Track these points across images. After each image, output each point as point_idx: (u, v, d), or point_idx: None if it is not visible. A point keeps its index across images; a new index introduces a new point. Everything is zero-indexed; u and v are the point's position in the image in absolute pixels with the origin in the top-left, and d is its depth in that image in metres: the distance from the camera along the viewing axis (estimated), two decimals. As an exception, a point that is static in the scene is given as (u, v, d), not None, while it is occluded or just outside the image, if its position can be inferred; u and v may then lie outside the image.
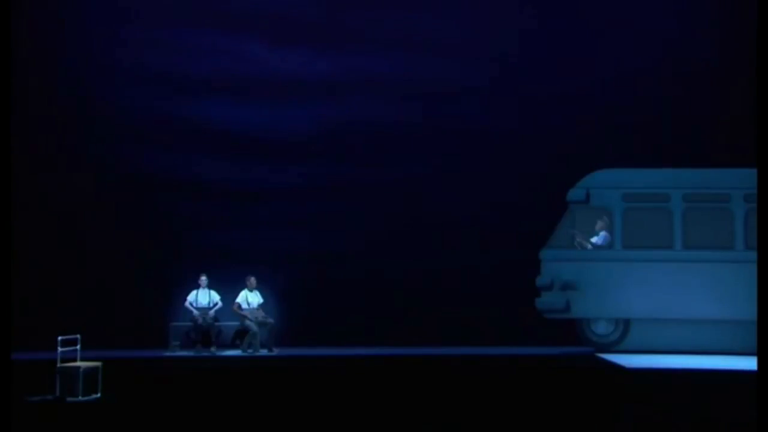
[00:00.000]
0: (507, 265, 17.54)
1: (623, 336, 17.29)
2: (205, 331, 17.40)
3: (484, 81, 18.41)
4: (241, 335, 17.50)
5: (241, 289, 17.65)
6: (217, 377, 14.56)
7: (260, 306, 17.64)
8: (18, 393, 11.39)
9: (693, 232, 17.10)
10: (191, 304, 17.63)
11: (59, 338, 12.66)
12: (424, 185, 18.39)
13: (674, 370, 14.85)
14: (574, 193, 17.43)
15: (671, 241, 17.16)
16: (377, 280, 18.10)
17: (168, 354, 17.20)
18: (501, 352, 17.08)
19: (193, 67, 18.63)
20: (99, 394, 12.37)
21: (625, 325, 17.30)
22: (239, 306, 17.53)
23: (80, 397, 12.12)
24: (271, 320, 17.60)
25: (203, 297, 17.68)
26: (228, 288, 17.71)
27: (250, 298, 17.61)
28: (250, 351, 17.21)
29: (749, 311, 14.09)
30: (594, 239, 17.44)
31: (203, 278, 17.71)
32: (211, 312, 17.57)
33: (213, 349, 17.26)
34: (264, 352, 17.21)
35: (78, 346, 12.83)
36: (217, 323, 17.56)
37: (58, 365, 12.38)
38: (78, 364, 12.50)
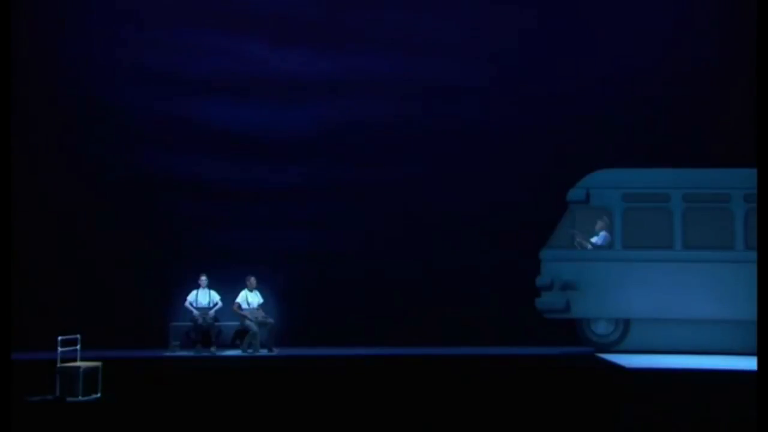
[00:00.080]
0: (507, 265, 17.55)
1: (623, 336, 17.29)
2: (205, 331, 17.40)
3: (484, 81, 18.41)
4: (241, 335, 17.50)
5: (241, 289, 17.66)
6: (217, 377, 14.56)
7: (260, 306, 17.64)
8: (18, 393, 11.39)
9: (693, 232, 17.10)
10: (191, 304, 17.63)
11: (59, 338, 12.65)
12: (424, 185, 18.39)
13: (674, 370, 14.85)
14: (574, 193, 17.43)
15: (671, 241, 17.17)
16: (377, 280, 18.10)
17: (168, 354, 17.20)
18: (501, 352, 17.08)
19: (193, 67, 18.63)
20: (99, 394, 12.37)
21: (625, 325, 17.30)
22: (239, 306, 17.53)
23: (80, 397, 12.11)
24: (271, 320, 17.60)
25: (203, 297, 17.69)
26: (228, 288, 17.72)
27: (250, 298, 17.61)
28: (250, 351, 17.21)
29: (749, 311, 14.11)
30: (594, 239, 17.44)
31: (203, 278, 17.72)
32: (211, 312, 17.57)
33: (213, 349, 17.26)
34: (264, 352, 17.22)
35: (78, 346, 12.83)
36: (217, 323, 17.56)
37: (58, 365, 12.38)
38: (78, 364, 12.50)
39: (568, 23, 18.61)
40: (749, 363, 13.72)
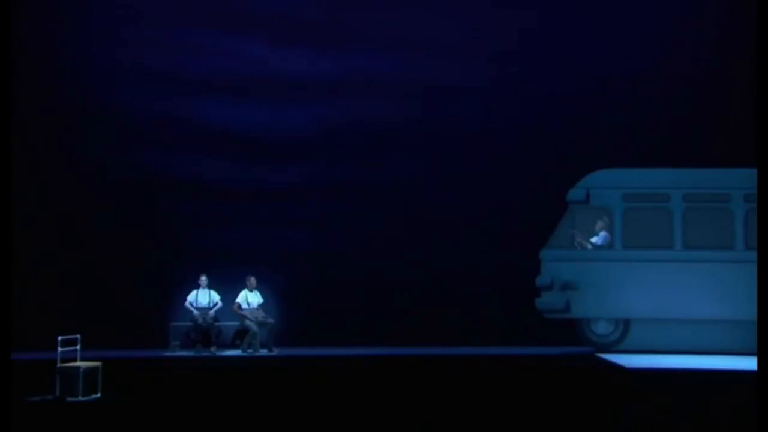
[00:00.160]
0: (507, 265, 17.55)
1: (623, 336, 17.29)
2: (205, 331, 17.40)
3: (484, 81, 18.42)
4: (241, 335, 17.50)
5: (241, 289, 17.66)
6: (217, 377, 14.56)
7: (260, 306, 17.64)
8: (18, 393, 11.39)
9: (693, 232, 17.10)
10: (191, 304, 17.63)
11: (59, 338, 12.65)
12: (424, 185, 18.39)
13: (674, 370, 14.85)
14: (574, 193, 17.43)
15: (671, 241, 17.17)
16: (377, 280, 18.11)
17: (168, 354, 17.20)
18: (501, 352, 17.08)
19: (193, 67, 18.63)
20: (99, 394, 12.36)
21: (625, 325, 17.30)
22: (239, 306, 17.53)
23: (80, 397, 12.11)
24: (271, 320, 17.60)
25: (203, 297, 17.69)
26: (228, 288, 17.72)
27: (250, 298, 17.61)
28: (250, 351, 17.21)
29: (749, 311, 14.11)
30: (594, 239, 17.44)
31: (203, 278, 17.72)
32: (211, 312, 17.57)
33: (213, 349, 17.26)
34: (264, 352, 17.22)
35: (78, 346, 12.82)
36: (217, 323, 17.56)
37: (58, 365, 12.37)
38: (78, 364, 12.50)
39: (568, 23, 18.61)
40: (749, 363, 13.72)
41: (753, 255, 12.52)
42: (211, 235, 18.25)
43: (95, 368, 12.51)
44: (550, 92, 18.33)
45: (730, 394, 12.62)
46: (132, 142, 18.44)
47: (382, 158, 18.55)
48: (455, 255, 18.12)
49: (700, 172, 17.39)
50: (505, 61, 18.44)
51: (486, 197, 18.13)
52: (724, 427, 10.32)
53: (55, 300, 17.42)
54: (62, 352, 12.59)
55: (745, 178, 16.34)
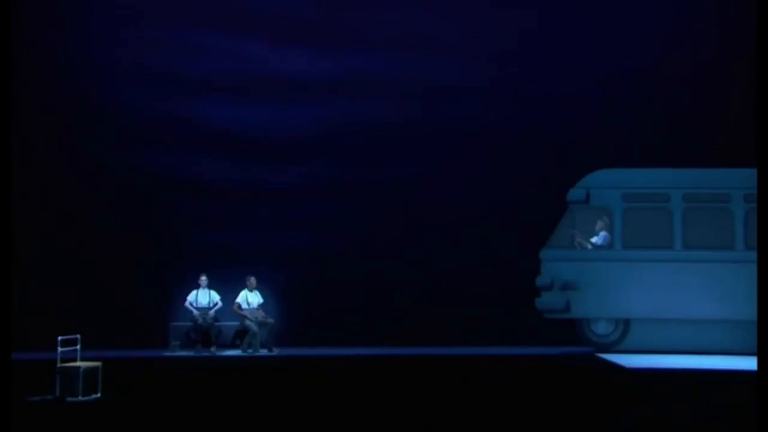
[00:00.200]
0: (507, 265, 17.55)
1: (623, 336, 17.29)
2: (205, 331, 17.40)
3: (484, 81, 18.42)
4: (241, 335, 17.50)
5: (241, 289, 17.66)
6: (217, 377, 14.56)
7: (260, 306, 17.64)
8: (18, 393, 11.39)
9: (693, 232, 17.10)
10: (191, 304, 17.63)
11: (59, 338, 12.65)
12: (424, 185, 18.39)
13: (674, 370, 14.85)
14: (574, 193, 17.43)
15: (671, 241, 17.17)
16: (377, 280, 18.11)
17: (168, 354, 17.20)
18: (501, 352, 17.07)
19: (193, 67, 18.63)
20: (99, 394, 12.36)
21: (625, 325, 17.30)
22: (239, 306, 17.53)
23: (80, 397, 12.11)
24: (271, 320, 17.60)
25: (203, 297, 17.69)
26: (228, 288, 17.72)
27: (250, 298, 17.61)
28: (250, 351, 17.21)
29: (749, 311, 14.10)
30: (594, 239, 17.44)
31: (203, 278, 17.72)
32: (211, 312, 17.57)
33: (213, 349, 17.26)
34: (264, 352, 17.22)
35: (78, 346, 12.82)
36: (217, 323, 17.56)
37: (58, 365, 12.37)
38: (78, 364, 12.50)
39: (568, 24, 18.61)
40: (749, 363, 13.72)
41: (753, 255, 12.50)
42: (211, 235, 18.25)
43: (95, 368, 12.51)
44: (550, 92, 18.33)
45: (730, 394, 12.62)
46: (132, 142, 18.44)
47: (382, 158, 18.55)
48: (455, 255, 18.11)
49: (700, 172, 17.39)
50: (505, 61, 18.44)
51: (486, 197, 18.13)
52: (724, 427, 10.32)
53: (55, 300, 17.42)
54: (62, 352, 12.58)
55: (745, 178, 16.34)
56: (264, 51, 18.73)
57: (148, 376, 14.37)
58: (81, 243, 18.01)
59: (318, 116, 18.63)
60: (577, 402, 12.00)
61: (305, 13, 18.82)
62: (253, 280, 17.69)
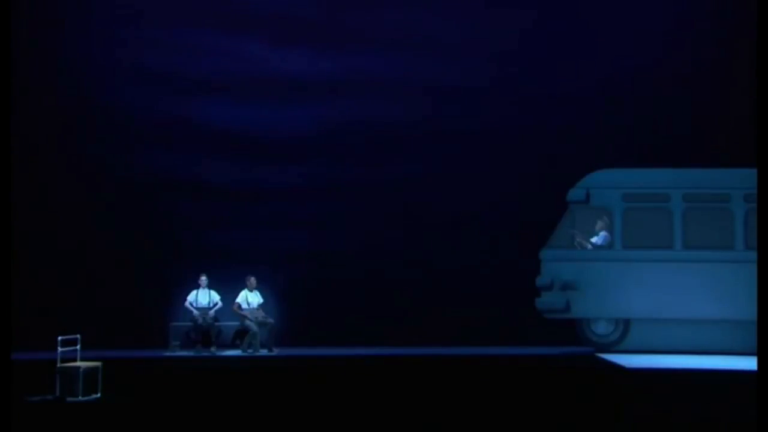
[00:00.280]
0: (507, 265, 17.55)
1: (623, 336, 17.29)
2: (205, 331, 17.40)
3: (484, 81, 18.42)
4: (241, 335, 17.50)
5: (241, 289, 17.66)
6: (217, 377, 14.56)
7: (260, 306, 17.64)
8: (18, 393, 11.38)
9: (693, 232, 17.10)
10: (191, 304, 17.63)
11: (59, 338, 12.65)
12: (424, 185, 18.39)
13: (674, 370, 14.85)
14: (574, 193, 17.43)
15: (671, 241, 17.16)
16: (377, 280, 18.11)
17: (168, 354, 17.20)
18: (501, 352, 17.07)
19: (193, 67, 18.64)
20: (99, 394, 12.36)
21: (625, 325, 17.30)
22: (239, 306, 17.53)
23: (80, 397, 12.11)
24: (271, 320, 17.60)
25: (203, 297, 17.69)
26: (228, 288, 17.72)
27: (250, 298, 17.61)
28: (250, 351, 17.21)
29: (749, 311, 14.10)
30: (594, 239, 17.44)
31: (203, 278, 17.72)
32: (211, 312, 17.57)
33: (213, 349, 17.26)
34: (264, 352, 17.22)
35: (78, 346, 12.82)
36: (217, 323, 17.56)
37: (58, 365, 12.37)
38: (78, 364, 12.49)
39: (568, 24, 18.62)
40: (749, 363, 13.72)
41: (753, 255, 12.49)
42: (211, 235, 18.26)
43: (95, 368, 12.51)
44: (550, 92, 18.33)
45: (730, 394, 12.62)
46: (132, 142, 18.45)
47: (382, 158, 18.55)
48: (455, 255, 18.12)
49: (700, 172, 17.39)
50: (505, 61, 18.44)
51: (486, 197, 18.14)
52: (724, 427, 10.32)
53: (55, 300, 17.42)
54: (62, 352, 12.58)
55: (745, 178, 16.34)
56: (264, 51, 18.74)
57: (148, 376, 14.37)
58: (81, 243, 18.02)
59: (318, 116, 18.64)
60: (577, 402, 12.00)
61: (305, 13, 18.82)
62: (253, 280, 17.69)
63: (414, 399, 12.17)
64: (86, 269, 17.89)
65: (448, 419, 10.70)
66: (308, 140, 18.63)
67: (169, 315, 17.81)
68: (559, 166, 17.68)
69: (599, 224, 17.44)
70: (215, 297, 17.73)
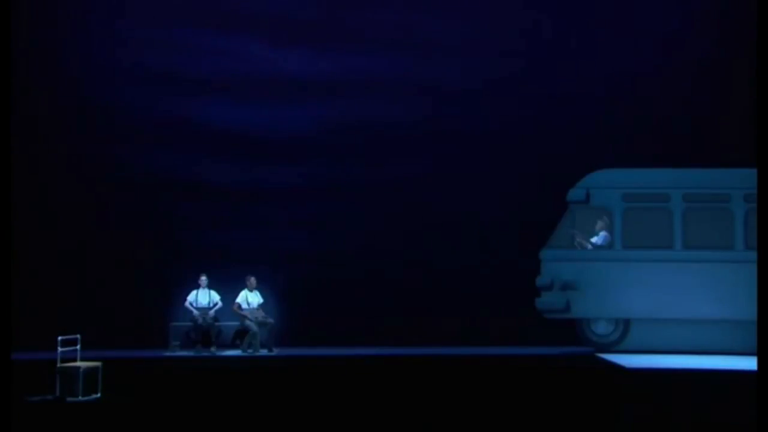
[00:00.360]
0: (507, 265, 17.55)
1: (623, 336, 17.29)
2: (205, 331, 17.40)
3: (484, 81, 18.41)
4: (241, 335, 17.50)
5: (241, 289, 17.65)
6: (217, 377, 14.56)
7: (260, 306, 17.64)
8: (18, 393, 11.38)
9: (693, 232, 17.10)
10: (191, 304, 17.63)
11: (59, 338, 12.65)
12: (424, 185, 18.39)
13: (674, 370, 14.84)
14: (574, 193, 17.43)
15: (671, 241, 17.16)
16: (377, 280, 18.10)
17: (168, 354, 17.20)
18: (501, 352, 17.07)
19: (193, 67, 18.63)
20: (99, 394, 12.36)
21: (625, 325, 17.30)
22: (239, 306, 17.53)
23: (80, 397, 12.11)
24: (271, 320, 17.60)
25: (203, 297, 17.69)
26: (228, 288, 17.71)
27: (250, 298, 17.61)
28: (250, 351, 17.21)
29: (749, 311, 14.10)
30: (594, 239, 17.44)
31: (203, 278, 17.72)
32: (211, 312, 17.57)
33: (213, 349, 17.26)
34: (264, 352, 17.22)
35: (78, 346, 12.83)
36: (217, 323, 17.56)
37: (58, 365, 12.37)
38: (78, 364, 12.50)
39: (568, 24, 18.62)
40: (749, 363, 13.72)
41: (753, 255, 12.49)
42: (211, 235, 18.25)
43: (95, 368, 12.51)
44: (550, 92, 18.33)
45: (730, 394, 12.62)
46: (132, 142, 18.44)
47: (382, 158, 18.55)
48: (455, 255, 18.11)
49: (700, 172, 17.39)
50: (505, 61, 18.42)
51: (486, 197, 18.13)
52: (724, 427, 10.31)
53: (55, 300, 17.42)
54: (62, 352, 12.59)
55: (745, 178, 16.33)
56: (264, 51, 18.73)
57: (148, 376, 14.37)
58: (81, 243, 18.01)
59: (318, 116, 18.64)
60: (577, 402, 12.00)
61: (305, 13, 18.82)
62: (253, 280, 17.69)
63: (414, 399, 12.17)
64: (86, 269, 17.88)
65: (449, 419, 10.70)
66: (308, 140, 18.63)
67: (169, 315, 17.80)
68: (559, 166, 17.68)
69: (599, 224, 17.44)
70: (215, 297, 17.73)
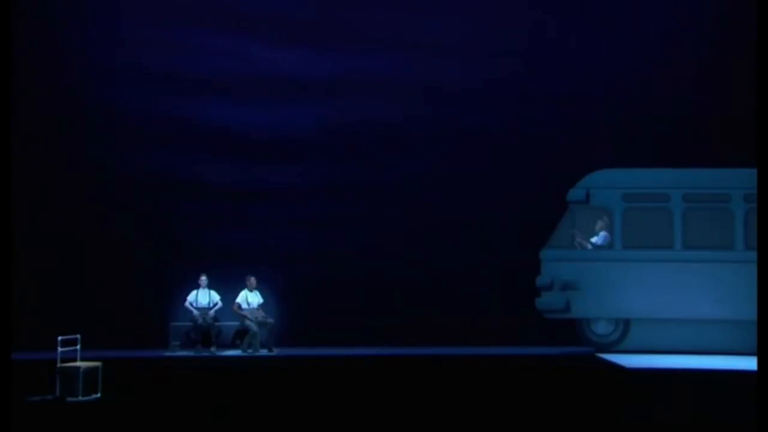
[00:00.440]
0: (507, 265, 17.55)
1: (623, 336, 17.29)
2: (205, 331, 17.40)
3: (485, 81, 18.41)
4: (241, 335, 17.50)
5: (241, 289, 17.66)
6: (217, 377, 14.56)
7: (260, 306, 17.64)
8: (18, 393, 11.39)
9: (693, 232, 17.10)
10: (191, 304, 17.63)
11: (59, 338, 12.65)
12: (424, 185, 18.39)
13: (674, 370, 14.85)
14: (574, 193, 17.43)
15: (671, 241, 17.17)
16: (377, 280, 18.10)
17: (168, 354, 17.21)
18: (501, 352, 17.08)
19: (193, 67, 18.63)
20: (99, 394, 12.36)
21: (625, 325, 17.30)
22: (239, 306, 17.53)
23: (80, 397, 12.11)
24: (271, 320, 17.60)
25: (203, 297, 17.69)
26: (228, 288, 17.72)
27: (250, 298, 17.61)
28: (250, 351, 17.21)
29: (749, 311, 14.10)
30: (594, 239, 17.44)
31: (203, 278, 17.72)
32: (211, 312, 17.57)
33: (213, 349, 17.26)
34: (264, 352, 17.22)
35: (78, 346, 12.82)
36: (217, 323, 17.56)
37: (58, 365, 12.37)
38: (78, 364, 12.50)
39: (569, 23, 18.62)
40: (749, 363, 13.72)
41: (753, 255, 12.50)
42: (211, 235, 18.25)
43: (95, 368, 12.51)
44: (550, 92, 18.34)
45: (730, 394, 12.62)
46: (132, 142, 18.44)
47: (382, 158, 18.55)
48: (455, 255, 18.11)
49: (700, 172, 17.39)
50: (505, 61, 18.42)
51: (486, 197, 18.13)
52: (724, 427, 10.32)
53: (55, 300, 17.42)
54: (62, 352, 12.58)
55: (745, 178, 16.34)
56: (264, 51, 18.73)
57: (148, 376, 14.37)
58: (81, 243, 18.01)
59: (318, 116, 18.64)
60: (577, 402, 12.00)
61: (305, 13, 18.82)
62: (253, 280, 17.69)
63: (414, 399, 12.18)
64: (86, 269, 17.88)
65: (449, 419, 10.70)
66: (308, 140, 18.63)
67: (169, 315, 17.81)
68: (559, 166, 17.68)
69: (599, 224, 17.44)
70: (215, 297, 17.73)
